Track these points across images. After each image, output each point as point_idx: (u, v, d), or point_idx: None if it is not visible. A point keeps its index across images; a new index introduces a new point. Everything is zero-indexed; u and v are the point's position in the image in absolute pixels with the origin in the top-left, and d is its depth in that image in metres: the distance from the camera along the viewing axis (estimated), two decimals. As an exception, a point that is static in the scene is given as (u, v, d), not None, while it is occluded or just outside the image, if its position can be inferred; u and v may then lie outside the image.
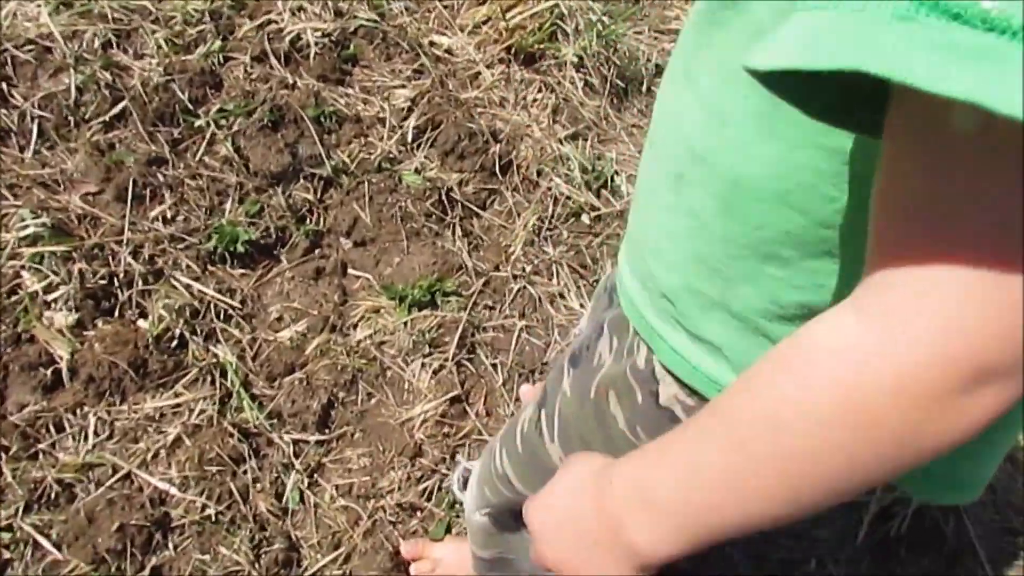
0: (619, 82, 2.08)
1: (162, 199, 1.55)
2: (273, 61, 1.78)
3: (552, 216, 1.78)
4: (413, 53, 1.90)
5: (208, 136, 1.65)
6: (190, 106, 1.67)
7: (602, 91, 2.05)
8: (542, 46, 1.99)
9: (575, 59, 2.01)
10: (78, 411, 1.33)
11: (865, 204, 0.38)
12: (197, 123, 1.65)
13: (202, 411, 1.37)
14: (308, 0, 1.87)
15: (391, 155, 1.73)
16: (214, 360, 1.43)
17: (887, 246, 0.35)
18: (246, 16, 1.83)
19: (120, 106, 1.62)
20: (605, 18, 2.10)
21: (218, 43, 1.77)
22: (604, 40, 2.06)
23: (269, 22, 1.82)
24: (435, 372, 1.54)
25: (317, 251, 1.63)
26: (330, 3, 1.88)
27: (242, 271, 1.56)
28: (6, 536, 1.21)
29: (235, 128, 1.66)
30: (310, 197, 1.64)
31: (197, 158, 1.63)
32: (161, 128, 1.63)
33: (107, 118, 1.61)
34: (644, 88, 2.18)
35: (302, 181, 1.66)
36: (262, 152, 1.64)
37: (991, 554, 1.59)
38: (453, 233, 1.69)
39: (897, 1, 0.29)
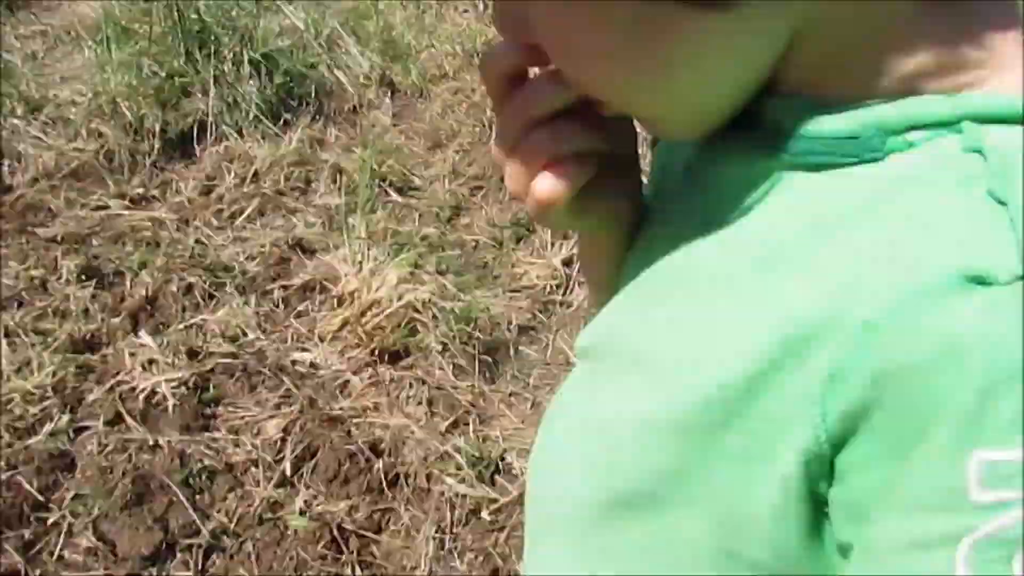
0: (486, 356, 2.11)
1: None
2: (130, 422, 1.69)
3: (452, 523, 1.72)
4: (276, 378, 1.86)
5: (65, 528, 1.51)
6: (40, 498, 1.53)
7: (472, 369, 2.06)
8: (405, 341, 2.01)
9: (439, 346, 2.02)
10: None
11: None
12: (51, 518, 1.51)
13: None
14: (159, 350, 1.81)
15: (272, 500, 1.64)
16: None
17: None
18: (93, 382, 1.75)
19: (-42, 519, 1.47)
20: (460, 297, 2.15)
21: (66, 417, 1.67)
22: (463, 319, 2.10)
23: (120, 383, 1.74)
24: None
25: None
26: (181, 347, 1.83)
27: None
28: None
29: (95, 512, 1.53)
30: (189, 574, 1.51)
31: (55, 557, 1.48)
32: (9, 534, 1.48)
33: (-56, 537, 1.45)
34: (512, 352, 2.22)
35: (178, 556, 1.53)
36: (129, 534, 1.51)
37: None
38: (352, 571, 1.59)
39: None
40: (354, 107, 2.82)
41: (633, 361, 0.44)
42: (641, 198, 0.52)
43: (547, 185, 0.43)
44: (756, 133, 0.39)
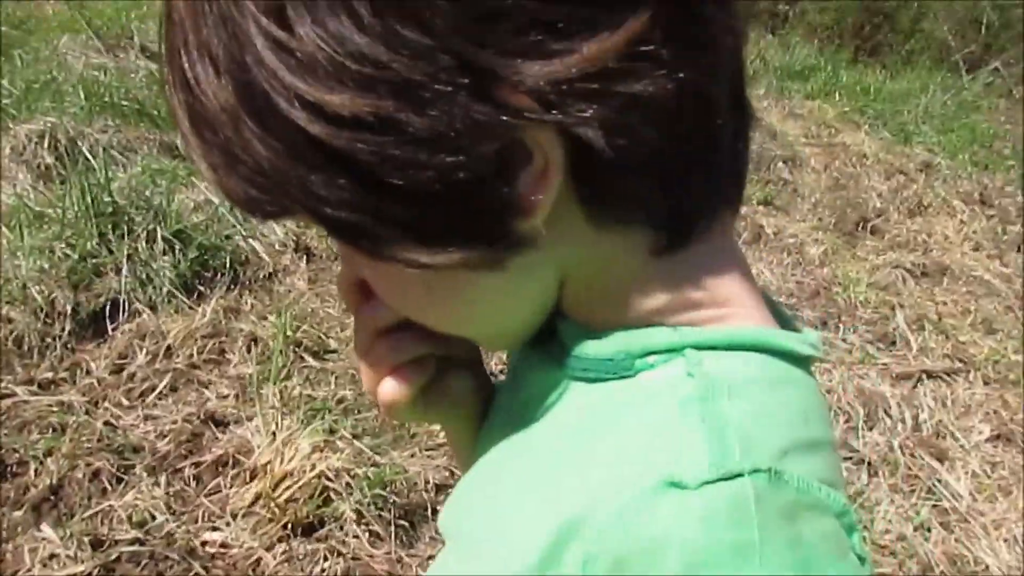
0: (403, 521, 2.12)
1: None
2: (26, 623, 1.64)
3: None
4: (185, 562, 1.83)
5: None
6: None
7: (387, 536, 2.06)
8: (319, 512, 2.01)
9: (353, 514, 2.03)
10: None
11: None
12: None
13: None
14: (62, 543, 1.78)
15: None
16: None
17: None
18: (-11, 582, 1.70)
19: None
20: (376, 460, 2.17)
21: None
22: (377, 483, 2.12)
23: (17, 582, 1.70)
24: None
25: None
26: (85, 538, 1.80)
27: None
28: None
29: None
30: None
31: None
32: None
33: None
34: (430, 512, 2.23)
35: None
36: None
37: None
38: None
39: None
40: (269, 274, 2.90)
41: (465, 544, 0.50)
42: (487, 390, 0.59)
43: (389, 388, 0.50)
44: (553, 348, 0.47)
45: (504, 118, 0.35)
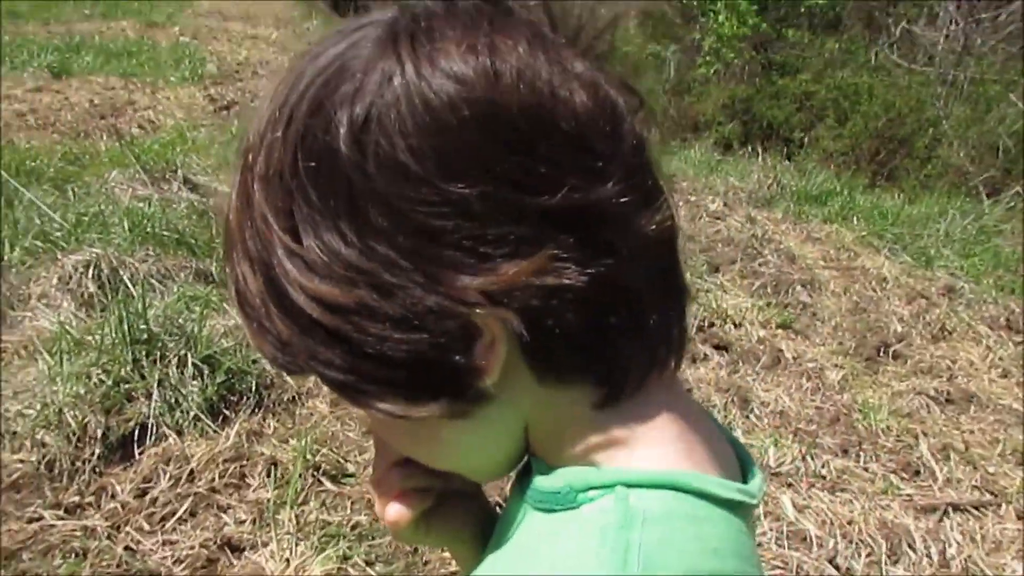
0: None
1: None
2: None
3: None
4: None
5: None
6: None
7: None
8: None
9: (363, 647, 2.02)
10: None
11: None
12: None
13: None
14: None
15: None
16: None
17: None
18: None
19: None
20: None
21: None
22: (389, 615, 2.11)
23: None
24: None
25: None
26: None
27: None
28: None
29: None
30: None
31: None
32: None
33: None
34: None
35: None
36: None
37: None
38: None
39: None
40: (293, 397, 2.98)
41: None
42: (486, 517, 0.68)
43: (393, 510, 0.61)
44: (526, 481, 0.56)
45: (450, 306, 0.46)
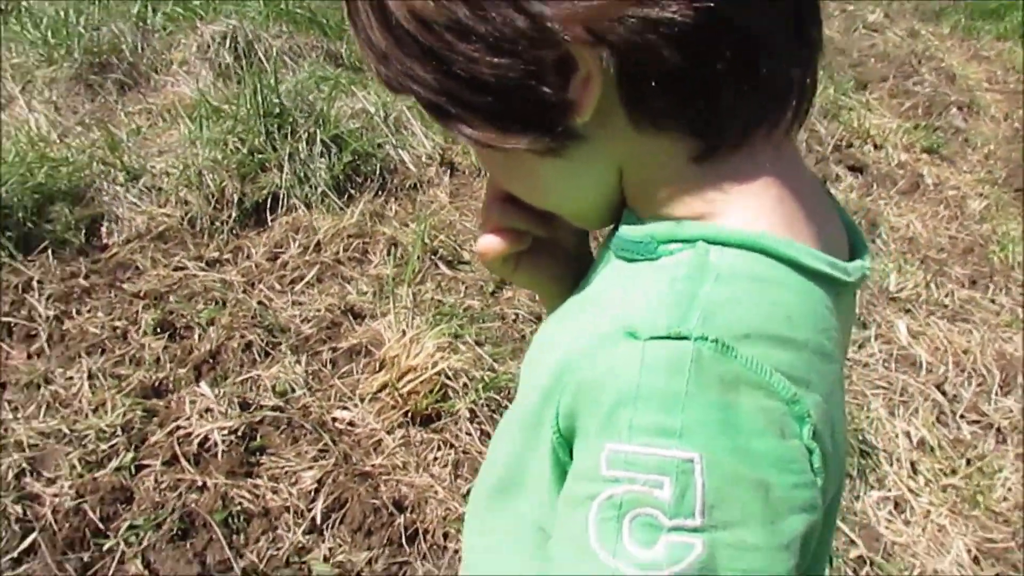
0: (513, 424, 2.25)
1: (71, 636, 1.57)
2: (184, 464, 1.90)
3: (461, 578, 1.85)
4: (317, 433, 2.05)
5: (118, 555, 1.71)
6: (101, 526, 1.74)
7: (498, 435, 2.21)
8: (436, 406, 2.17)
9: (467, 412, 2.18)
10: None
11: None
12: (107, 544, 1.71)
13: None
14: (216, 400, 2.03)
15: (300, 545, 1.81)
16: None
17: None
18: (156, 425, 1.97)
19: (30, 539, 1.69)
20: (494, 367, 2.31)
21: (130, 455, 1.89)
22: (492, 387, 2.26)
23: (178, 428, 1.96)
24: None
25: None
26: (235, 399, 2.05)
27: None
28: None
29: (145, 543, 1.73)
30: (220, 606, 1.68)
31: (108, 580, 1.68)
32: (71, 555, 1.69)
33: (16, 554, 1.67)
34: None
35: (213, 588, 1.71)
36: (171, 565, 1.70)
37: None
38: (365, 616, 1.74)
39: None
40: (415, 184, 3.06)
41: (520, 390, 0.62)
42: (581, 274, 0.68)
43: (485, 240, 0.63)
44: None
45: (542, 32, 0.44)
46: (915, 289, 2.83)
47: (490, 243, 0.62)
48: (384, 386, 2.20)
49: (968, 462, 2.25)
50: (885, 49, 4.97)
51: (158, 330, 2.24)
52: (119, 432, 1.93)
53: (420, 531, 1.91)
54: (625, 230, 0.53)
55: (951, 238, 3.19)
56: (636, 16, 0.43)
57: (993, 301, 2.84)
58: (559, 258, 0.67)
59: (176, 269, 2.45)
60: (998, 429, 2.38)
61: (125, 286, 2.39)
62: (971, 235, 3.21)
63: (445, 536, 1.93)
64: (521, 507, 0.57)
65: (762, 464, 0.42)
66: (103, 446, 1.90)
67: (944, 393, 2.44)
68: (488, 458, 0.65)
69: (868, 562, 1.99)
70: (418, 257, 2.68)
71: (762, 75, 0.47)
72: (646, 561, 0.40)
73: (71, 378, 2.06)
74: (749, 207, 0.50)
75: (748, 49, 0.46)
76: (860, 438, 2.25)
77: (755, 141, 0.49)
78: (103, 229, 2.57)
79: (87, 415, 1.97)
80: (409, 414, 2.15)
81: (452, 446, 2.13)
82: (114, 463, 1.87)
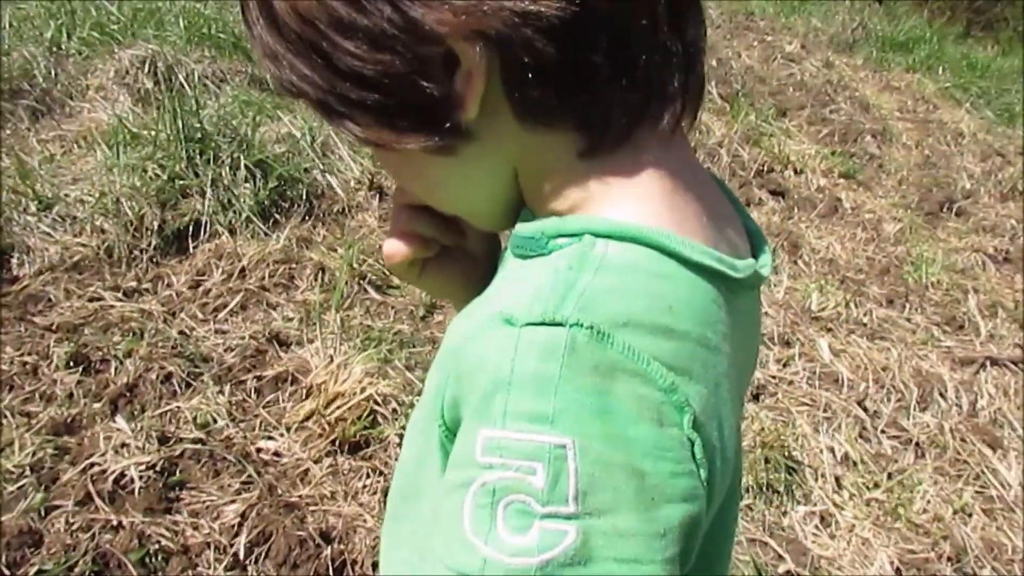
0: (444, 450, 2.22)
1: None
2: (98, 502, 1.81)
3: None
4: (240, 465, 1.98)
5: (26, 602, 1.62)
6: (7, 572, 1.64)
7: (429, 463, 2.18)
8: (365, 433, 2.13)
9: (397, 439, 2.14)
10: None
11: None
12: (13, 591, 1.62)
13: None
14: (133, 435, 1.95)
15: (221, 582, 1.74)
16: None
17: None
18: (68, 463, 1.88)
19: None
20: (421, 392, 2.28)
21: (40, 496, 1.79)
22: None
23: (92, 465, 1.87)
24: None
25: None
26: (154, 433, 1.97)
27: None
28: None
29: (55, 587, 1.64)
30: (136, 649, 1.60)
31: (13, 628, 1.58)
32: (-27, 604, 1.59)
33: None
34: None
35: (128, 632, 1.62)
36: (84, 609, 1.62)
37: None
38: (291, 653, 1.68)
39: None
40: (343, 209, 3.02)
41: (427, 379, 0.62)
42: (483, 284, 0.68)
43: (389, 246, 0.63)
44: None
45: (418, 25, 0.45)
46: (836, 308, 2.92)
47: (396, 247, 0.63)
48: (311, 414, 2.15)
49: (889, 476, 2.31)
50: (803, 78, 5.15)
51: (71, 364, 2.15)
52: (28, 472, 1.84)
53: (348, 562, 1.86)
54: (519, 227, 0.54)
55: (868, 259, 3.30)
56: (509, 10, 0.44)
57: (909, 320, 2.95)
58: (468, 265, 0.67)
59: (92, 300, 2.36)
60: (917, 444, 2.45)
61: (36, 319, 2.29)
62: (887, 256, 3.33)
63: (374, 566, 1.88)
64: (423, 510, 0.55)
65: (636, 451, 0.42)
66: (10, 487, 1.80)
67: (865, 409, 2.51)
68: (397, 468, 0.64)
69: (796, 577, 2.02)
70: (346, 282, 2.65)
71: (639, 69, 0.48)
72: (518, 547, 0.40)
73: (-25, 416, 1.95)
74: (633, 200, 0.50)
75: (622, 43, 0.47)
76: (786, 454, 2.29)
77: (640, 137, 0.50)
78: (13, 260, 2.46)
79: (-8, 454, 1.86)
80: (337, 442, 2.10)
81: (381, 473, 2.09)
82: (22, 505, 1.78)
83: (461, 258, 0.67)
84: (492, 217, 0.59)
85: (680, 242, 0.48)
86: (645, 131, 0.50)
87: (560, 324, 0.43)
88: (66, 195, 2.59)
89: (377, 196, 3.15)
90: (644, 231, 0.48)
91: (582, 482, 0.40)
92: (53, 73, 3.17)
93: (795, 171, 3.98)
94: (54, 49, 3.33)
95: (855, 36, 5.95)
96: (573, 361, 0.42)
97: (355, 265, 2.70)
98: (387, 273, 2.80)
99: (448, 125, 0.48)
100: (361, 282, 2.71)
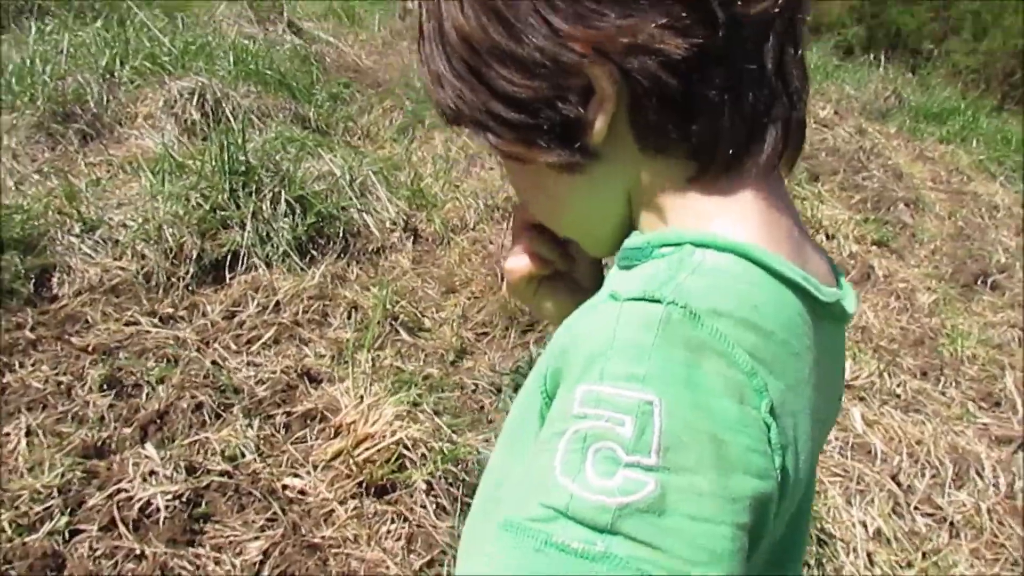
0: (469, 499, 2.19)
1: None
2: (122, 529, 1.79)
3: (411, 662, 1.76)
4: (266, 501, 1.96)
5: (44, 628, 1.59)
6: (27, 596, 1.62)
7: (453, 511, 2.14)
8: (392, 476, 2.11)
9: (424, 485, 2.12)
10: None
11: None
12: (33, 616, 1.60)
13: None
14: (161, 463, 1.93)
15: (241, 621, 1.71)
16: None
17: None
18: (96, 487, 1.87)
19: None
20: (452, 438, 2.26)
21: (64, 519, 1.78)
22: (450, 459, 2.20)
23: (119, 491, 1.86)
24: None
25: None
26: (182, 462, 1.95)
27: None
28: None
29: (75, 616, 1.62)
30: None
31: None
32: (-8, 628, 1.57)
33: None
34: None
35: (145, 667, 1.59)
36: (102, 640, 1.59)
37: None
38: None
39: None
40: (378, 249, 3.04)
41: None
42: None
43: (515, 260, 0.70)
44: None
45: (561, 52, 0.52)
46: (869, 378, 2.88)
47: (519, 263, 0.69)
48: (339, 453, 2.13)
49: (924, 555, 2.25)
50: (835, 144, 5.17)
51: (104, 387, 2.15)
52: (55, 494, 1.83)
53: (370, 610, 1.82)
54: (627, 242, 0.58)
55: (902, 329, 3.26)
56: (639, 46, 0.50)
57: (944, 394, 2.90)
58: (575, 292, 0.71)
59: (128, 324, 2.37)
60: (952, 523, 2.39)
61: (73, 339, 2.30)
62: (921, 327, 3.29)
63: (396, 615, 1.84)
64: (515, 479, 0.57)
65: (719, 421, 0.45)
66: (36, 508, 1.79)
67: (899, 484, 2.45)
68: (483, 480, 0.65)
69: (826, 654, 1.95)
70: (378, 322, 2.65)
71: (747, 106, 0.53)
72: (603, 487, 0.43)
73: (7, 434, 1.95)
74: (735, 220, 0.55)
75: (734, 81, 0.52)
76: (818, 526, 2.24)
77: (743, 167, 0.55)
78: (54, 280, 2.48)
79: (22, 474, 1.86)
80: (363, 484, 2.07)
81: (406, 519, 2.06)
82: (47, 527, 1.76)
83: (571, 285, 0.72)
84: (602, 240, 0.63)
85: (770, 256, 0.52)
86: (748, 162, 0.55)
87: (658, 301, 0.47)
88: (110, 219, 2.62)
89: (412, 238, 3.17)
90: (739, 244, 0.52)
91: (665, 438, 0.44)
92: (105, 99, 3.24)
93: (827, 236, 3.96)
94: (107, 76, 3.40)
95: (888, 105, 5.98)
96: (667, 333, 0.46)
97: (388, 306, 2.70)
98: (420, 314, 2.80)
99: (578, 145, 0.55)
100: (393, 323, 2.71)
